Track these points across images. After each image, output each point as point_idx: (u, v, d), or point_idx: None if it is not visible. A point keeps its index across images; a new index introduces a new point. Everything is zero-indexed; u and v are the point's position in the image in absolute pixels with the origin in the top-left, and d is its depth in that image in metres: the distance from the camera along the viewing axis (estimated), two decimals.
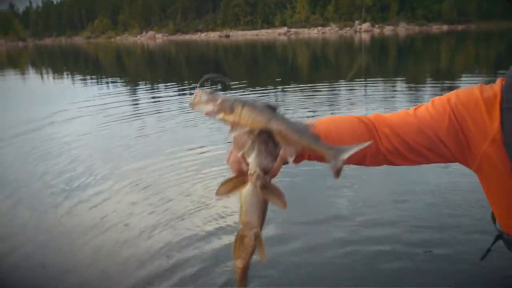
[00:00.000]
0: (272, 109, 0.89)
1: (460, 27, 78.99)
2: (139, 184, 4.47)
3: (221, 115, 0.89)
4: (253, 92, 11.55)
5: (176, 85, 13.83)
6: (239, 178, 1.00)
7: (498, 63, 17.07)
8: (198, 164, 5.05)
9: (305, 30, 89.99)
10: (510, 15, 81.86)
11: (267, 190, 0.99)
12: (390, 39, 50.19)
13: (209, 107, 0.90)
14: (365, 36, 59.92)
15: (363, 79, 13.50)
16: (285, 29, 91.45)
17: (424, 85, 12.03)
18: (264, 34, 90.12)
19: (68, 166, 5.19)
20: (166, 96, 11.29)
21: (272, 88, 12.50)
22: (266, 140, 0.91)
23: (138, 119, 8.13)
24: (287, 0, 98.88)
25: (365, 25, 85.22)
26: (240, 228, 1.05)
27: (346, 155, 0.90)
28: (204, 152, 5.60)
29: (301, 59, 27.24)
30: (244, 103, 0.88)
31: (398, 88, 11.50)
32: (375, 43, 42.51)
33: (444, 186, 3.99)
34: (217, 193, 1.00)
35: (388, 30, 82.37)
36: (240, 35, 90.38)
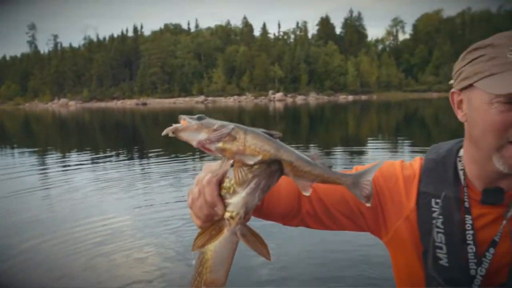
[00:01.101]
0: (271, 136, 0.78)
1: (363, 97, 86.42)
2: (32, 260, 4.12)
3: (220, 144, 0.76)
4: (172, 159, 11.44)
5: (89, 153, 13.29)
6: (216, 225, 0.85)
7: (398, 129, 18.71)
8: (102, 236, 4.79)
9: (222, 99, 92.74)
10: (405, 86, 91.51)
11: (250, 237, 0.86)
12: (302, 108, 53.25)
13: (203, 135, 0.77)
14: (279, 105, 63.01)
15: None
16: (202, 97, 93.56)
17: (335, 150, 12.76)
18: (182, 102, 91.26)
19: None
20: (78, 165, 10.78)
21: (191, 155, 12.50)
22: (275, 172, 0.78)
23: (44, 189, 7.63)
24: (204, 69, 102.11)
25: (279, 95, 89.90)
26: None
27: (367, 178, 0.83)
28: (110, 223, 5.34)
29: None
30: (246, 129, 0.76)
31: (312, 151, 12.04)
32: (289, 112, 44.76)
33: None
34: (194, 247, 0.86)
35: (300, 99, 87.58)
36: (157, 103, 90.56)
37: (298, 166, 0.78)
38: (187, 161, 11.15)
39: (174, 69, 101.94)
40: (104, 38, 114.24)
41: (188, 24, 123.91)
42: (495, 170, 1.02)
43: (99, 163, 11.14)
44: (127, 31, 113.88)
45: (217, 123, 0.78)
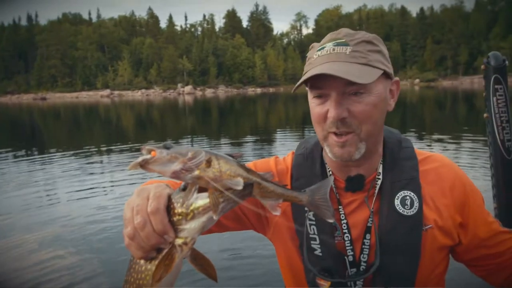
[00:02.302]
0: (235, 159, 0.79)
1: (271, 89, 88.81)
2: None
3: (196, 173, 0.73)
4: (76, 155, 11.03)
5: None
6: (168, 254, 0.81)
7: (304, 120, 19.70)
8: None
9: (129, 93, 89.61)
10: None
11: (199, 261, 0.86)
12: (212, 100, 53.43)
13: (177, 165, 0.73)
14: (188, 98, 62.57)
15: (190, 137, 14.10)
16: (108, 91, 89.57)
17: (246, 141, 13.16)
18: (85, 96, 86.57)
19: None
20: None
21: (96, 150, 12.14)
22: (247, 195, 0.79)
23: None
24: (108, 62, 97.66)
25: (188, 88, 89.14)
26: None
27: (321, 195, 0.86)
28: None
29: (126, 120, 26.95)
30: (216, 154, 0.76)
31: (222, 144, 12.34)
32: (198, 105, 44.70)
33: None
34: (154, 283, 0.82)
35: (209, 92, 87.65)
36: (58, 98, 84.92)
37: (265, 187, 0.79)
38: (93, 157, 10.83)
39: (75, 61, 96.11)
40: None
41: (89, 14, 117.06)
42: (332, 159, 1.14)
43: None
44: (19, 19, 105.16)
45: (188, 150, 0.75)
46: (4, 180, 8.05)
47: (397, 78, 1.17)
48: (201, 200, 0.78)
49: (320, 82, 1.06)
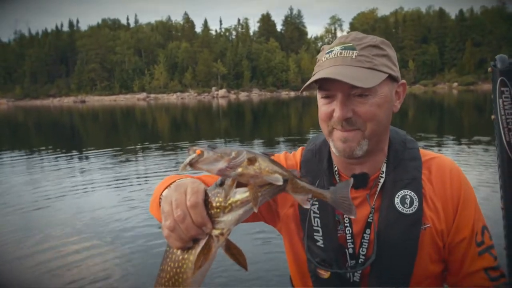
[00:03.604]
0: (271, 158, 0.87)
1: (304, 93, 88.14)
2: None
3: (239, 170, 0.81)
4: (115, 156, 11.40)
5: (24, 155, 12.87)
6: (207, 245, 0.89)
7: None
8: None
9: (164, 96, 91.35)
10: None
11: (233, 250, 0.93)
12: (246, 104, 53.75)
13: (223, 164, 0.81)
14: (222, 102, 63.18)
15: (223, 139, 14.30)
16: (144, 94, 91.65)
17: (278, 142, 13.24)
18: (123, 99, 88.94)
19: None
20: (10, 166, 10.49)
21: (134, 152, 12.49)
22: (281, 190, 0.87)
23: None
24: (145, 66, 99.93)
25: (222, 91, 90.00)
26: None
27: (343, 194, 0.91)
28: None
29: (162, 123, 27.53)
30: (255, 153, 0.84)
31: (255, 147, 12.48)
32: (232, 108, 45.09)
33: None
34: (195, 270, 0.90)
35: (243, 95, 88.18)
36: (96, 101, 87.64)
37: (296, 183, 0.87)
38: (130, 158, 11.16)
39: (113, 66, 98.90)
40: (37, 33, 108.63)
41: (127, 19, 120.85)
42: (336, 156, 1.22)
43: (35, 164, 10.89)
44: (62, 25, 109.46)
45: (232, 150, 0.83)
46: (43, 177, 8.44)
47: (403, 81, 1.22)
48: (239, 195, 0.86)
49: (327, 84, 1.13)
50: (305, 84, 1.18)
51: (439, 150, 10.10)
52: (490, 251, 1.20)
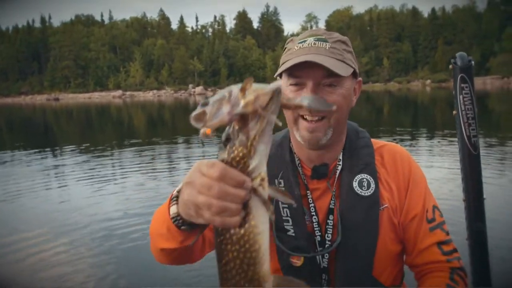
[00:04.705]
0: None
1: None
2: None
3: (242, 102, 0.75)
4: (90, 153, 11.25)
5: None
6: (247, 208, 0.79)
7: None
8: None
9: (140, 93, 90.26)
10: None
11: (279, 192, 0.84)
12: None
13: (226, 108, 0.76)
14: (199, 99, 62.60)
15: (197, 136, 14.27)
16: (119, 92, 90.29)
17: None
18: (98, 97, 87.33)
19: None
20: None
21: (109, 149, 12.36)
22: (279, 100, 0.80)
23: None
24: (120, 63, 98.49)
25: (199, 89, 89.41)
26: None
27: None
28: None
29: (138, 120, 27.24)
30: (242, 83, 0.78)
31: None
32: None
33: None
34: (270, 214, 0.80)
35: None
36: (70, 98, 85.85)
37: (284, 94, 0.81)
38: (105, 155, 11.05)
39: (88, 62, 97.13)
40: (8, 29, 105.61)
41: (102, 15, 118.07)
42: (300, 144, 1.25)
43: (5, 162, 10.67)
44: (33, 21, 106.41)
45: (224, 92, 0.78)
46: (15, 178, 8.28)
47: (360, 78, 1.31)
48: (253, 130, 0.77)
49: (299, 71, 1.17)
50: (281, 69, 1.22)
51: (412, 144, 10.34)
52: (441, 227, 1.26)
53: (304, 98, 0.85)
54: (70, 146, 12.94)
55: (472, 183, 1.50)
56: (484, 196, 1.54)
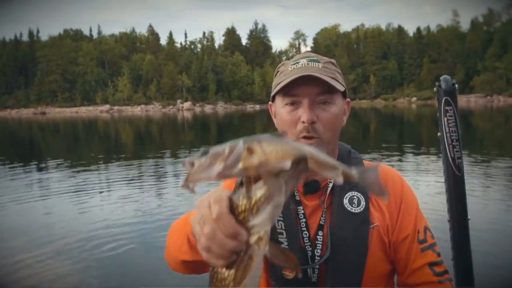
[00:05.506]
0: (280, 137, 0.73)
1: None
2: None
3: (240, 165, 0.68)
4: (74, 169, 11.13)
5: None
6: (245, 256, 0.77)
7: None
8: None
9: (128, 108, 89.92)
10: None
11: (279, 255, 0.81)
12: (211, 116, 53.66)
13: (219, 166, 0.69)
14: (187, 114, 62.80)
15: (188, 152, 14.22)
16: (107, 106, 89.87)
17: None
18: (85, 111, 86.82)
19: None
20: None
21: (95, 164, 12.24)
22: (303, 170, 0.73)
23: None
24: (108, 77, 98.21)
25: (187, 104, 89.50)
26: None
27: (373, 175, 0.84)
28: None
29: (125, 135, 27.09)
30: (257, 139, 0.70)
31: None
32: (197, 120, 44.90)
33: None
34: (235, 285, 0.78)
35: (208, 108, 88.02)
36: (57, 112, 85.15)
37: (320, 159, 0.75)
38: (92, 171, 10.94)
39: (75, 77, 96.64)
40: None
41: (90, 30, 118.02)
42: None
43: None
44: (21, 35, 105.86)
45: (225, 147, 0.71)
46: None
47: (348, 99, 1.36)
48: (260, 191, 0.73)
49: (294, 89, 1.22)
50: (277, 88, 1.25)
51: (398, 160, 10.43)
52: (433, 248, 1.27)
53: (355, 169, 0.80)
54: (56, 160, 12.79)
55: (456, 204, 1.52)
56: (469, 217, 1.56)
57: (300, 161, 0.71)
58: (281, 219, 1.27)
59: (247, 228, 0.75)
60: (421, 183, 7.79)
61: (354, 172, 0.79)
